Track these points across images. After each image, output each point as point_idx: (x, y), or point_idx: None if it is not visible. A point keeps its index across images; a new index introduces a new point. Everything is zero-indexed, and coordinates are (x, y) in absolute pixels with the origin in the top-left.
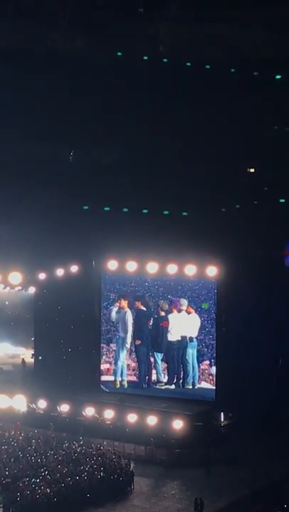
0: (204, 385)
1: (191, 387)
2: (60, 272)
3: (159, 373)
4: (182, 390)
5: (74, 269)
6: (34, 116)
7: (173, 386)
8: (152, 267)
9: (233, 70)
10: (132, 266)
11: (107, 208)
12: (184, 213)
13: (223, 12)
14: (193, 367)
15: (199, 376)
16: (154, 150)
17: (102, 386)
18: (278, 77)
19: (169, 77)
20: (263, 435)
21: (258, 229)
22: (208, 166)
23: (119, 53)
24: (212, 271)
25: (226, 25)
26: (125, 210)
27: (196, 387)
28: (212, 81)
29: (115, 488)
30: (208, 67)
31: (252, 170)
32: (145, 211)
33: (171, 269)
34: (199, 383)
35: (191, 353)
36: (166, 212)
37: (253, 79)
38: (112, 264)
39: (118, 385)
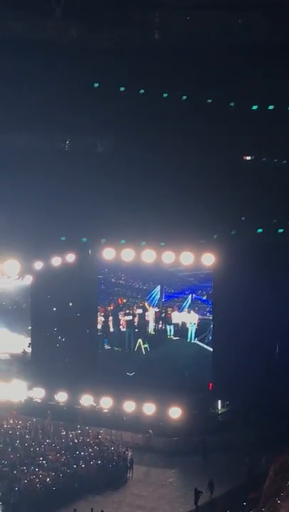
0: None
1: (189, 340)
2: (56, 261)
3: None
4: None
5: (70, 258)
6: (30, 105)
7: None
8: (148, 256)
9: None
10: (128, 254)
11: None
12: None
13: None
14: (191, 333)
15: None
16: (149, 138)
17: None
18: None
19: (165, 65)
20: (260, 423)
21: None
22: (206, 153)
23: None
24: (208, 259)
25: (222, 12)
26: (121, 197)
27: (192, 341)
28: (209, 72)
29: (113, 476)
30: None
31: (248, 158)
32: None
33: (168, 257)
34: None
35: (190, 329)
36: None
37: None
38: (109, 253)
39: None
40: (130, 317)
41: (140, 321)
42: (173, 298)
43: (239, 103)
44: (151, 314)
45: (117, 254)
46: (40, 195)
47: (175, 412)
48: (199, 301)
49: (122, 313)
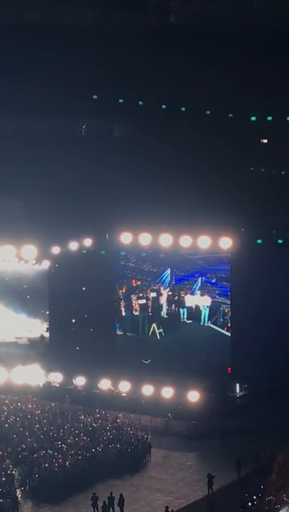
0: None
1: (202, 323)
2: (73, 246)
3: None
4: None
5: (88, 242)
6: (48, 91)
7: (191, 320)
8: (166, 240)
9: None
10: (145, 239)
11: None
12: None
13: None
14: (204, 316)
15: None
16: (166, 122)
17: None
18: None
19: (180, 47)
20: (279, 407)
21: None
22: (226, 135)
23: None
24: (226, 242)
25: None
26: (138, 182)
27: (206, 324)
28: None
29: (132, 460)
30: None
31: (265, 140)
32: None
33: (185, 241)
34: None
35: (204, 312)
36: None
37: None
38: (126, 237)
39: None
40: (144, 301)
41: (154, 304)
42: (183, 281)
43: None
44: (164, 298)
45: (134, 238)
46: (57, 180)
47: (193, 396)
48: (208, 284)
49: (134, 296)
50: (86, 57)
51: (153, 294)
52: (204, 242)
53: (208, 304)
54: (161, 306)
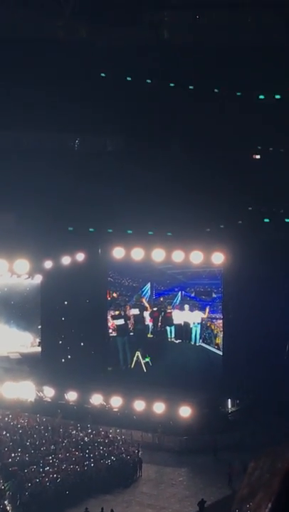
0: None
1: (193, 343)
2: (66, 260)
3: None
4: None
5: (80, 257)
6: (40, 104)
7: (180, 340)
8: (158, 255)
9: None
10: (138, 253)
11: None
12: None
13: None
14: (195, 335)
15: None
16: (157, 137)
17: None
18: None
19: (172, 64)
20: (271, 422)
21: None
22: (215, 152)
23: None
24: (218, 258)
25: (231, 11)
26: (130, 196)
27: (197, 344)
28: (214, 70)
29: (123, 475)
30: (212, 62)
31: (258, 156)
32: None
33: (177, 256)
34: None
35: (194, 330)
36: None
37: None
38: (118, 252)
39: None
40: (121, 321)
41: (137, 325)
42: (163, 295)
43: (246, 94)
44: (148, 314)
45: (126, 253)
46: (49, 194)
47: (185, 411)
48: (188, 298)
49: (110, 313)
50: (79, 71)
51: (134, 311)
52: (196, 257)
53: (199, 321)
54: (147, 328)
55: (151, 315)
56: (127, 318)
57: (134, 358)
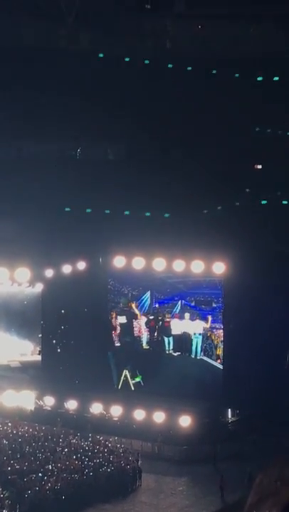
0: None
1: (193, 356)
2: (67, 269)
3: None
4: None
5: (81, 265)
6: (41, 113)
7: (178, 352)
8: (159, 264)
9: (237, 75)
10: (139, 263)
11: (107, 211)
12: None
13: (229, 9)
14: (196, 347)
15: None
16: (159, 147)
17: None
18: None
19: (174, 75)
20: (271, 432)
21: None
22: (215, 163)
23: (126, 59)
24: (219, 268)
25: (233, 22)
26: (128, 212)
27: (198, 357)
28: (217, 82)
29: (123, 484)
30: (214, 71)
31: (259, 166)
32: (147, 214)
33: (178, 265)
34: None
35: (195, 341)
36: (167, 215)
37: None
38: (119, 261)
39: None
40: None
41: (125, 336)
42: (163, 304)
43: (244, 74)
44: (142, 323)
45: (127, 262)
46: (51, 203)
47: (185, 421)
48: (188, 307)
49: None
50: (81, 80)
51: (121, 319)
52: (197, 266)
53: (201, 331)
54: (136, 340)
55: (147, 324)
56: (112, 327)
57: (122, 378)
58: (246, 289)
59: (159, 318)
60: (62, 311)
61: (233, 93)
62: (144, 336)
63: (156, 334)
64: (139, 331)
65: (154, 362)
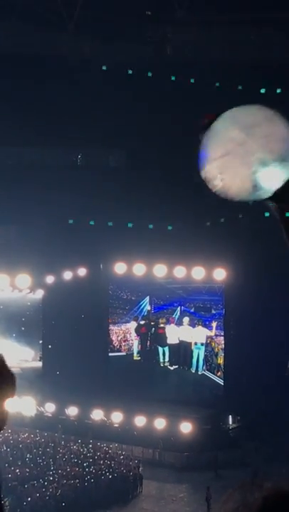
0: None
1: (194, 371)
2: (68, 275)
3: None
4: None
5: (82, 272)
6: (42, 119)
7: (176, 366)
8: (160, 270)
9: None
10: (139, 269)
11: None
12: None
13: (231, 15)
14: (198, 360)
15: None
16: (161, 155)
17: None
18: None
19: (175, 80)
20: (272, 439)
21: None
22: None
23: (130, 71)
24: (220, 274)
25: (235, 27)
26: (131, 224)
27: (199, 372)
28: (218, 91)
29: (123, 491)
30: (217, 85)
31: None
32: (151, 226)
33: (179, 272)
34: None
35: (196, 352)
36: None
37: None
38: (120, 267)
39: None
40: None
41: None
42: (162, 309)
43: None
44: (134, 330)
45: (128, 268)
46: (51, 209)
47: (186, 427)
48: (188, 313)
49: None
50: (82, 88)
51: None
52: (198, 273)
53: (204, 341)
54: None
55: (137, 331)
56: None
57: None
58: (247, 295)
59: (152, 323)
60: (64, 318)
61: (235, 103)
62: (135, 345)
63: (148, 343)
64: (135, 338)
65: (144, 378)
